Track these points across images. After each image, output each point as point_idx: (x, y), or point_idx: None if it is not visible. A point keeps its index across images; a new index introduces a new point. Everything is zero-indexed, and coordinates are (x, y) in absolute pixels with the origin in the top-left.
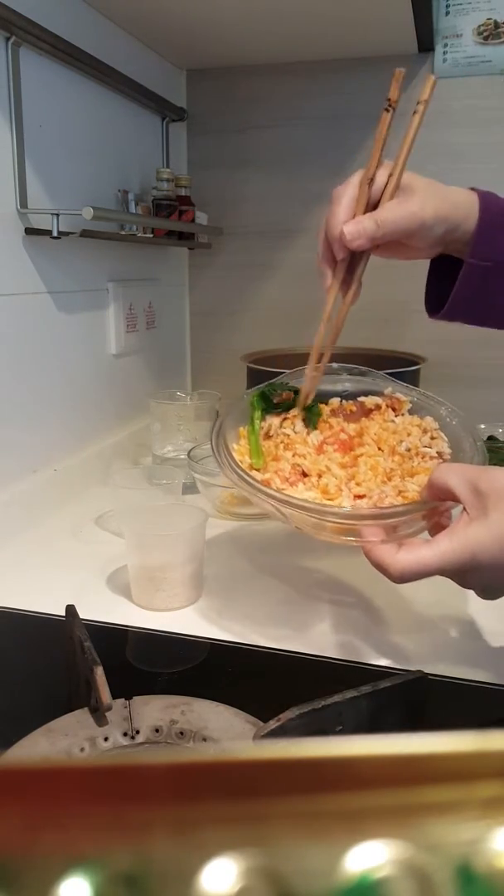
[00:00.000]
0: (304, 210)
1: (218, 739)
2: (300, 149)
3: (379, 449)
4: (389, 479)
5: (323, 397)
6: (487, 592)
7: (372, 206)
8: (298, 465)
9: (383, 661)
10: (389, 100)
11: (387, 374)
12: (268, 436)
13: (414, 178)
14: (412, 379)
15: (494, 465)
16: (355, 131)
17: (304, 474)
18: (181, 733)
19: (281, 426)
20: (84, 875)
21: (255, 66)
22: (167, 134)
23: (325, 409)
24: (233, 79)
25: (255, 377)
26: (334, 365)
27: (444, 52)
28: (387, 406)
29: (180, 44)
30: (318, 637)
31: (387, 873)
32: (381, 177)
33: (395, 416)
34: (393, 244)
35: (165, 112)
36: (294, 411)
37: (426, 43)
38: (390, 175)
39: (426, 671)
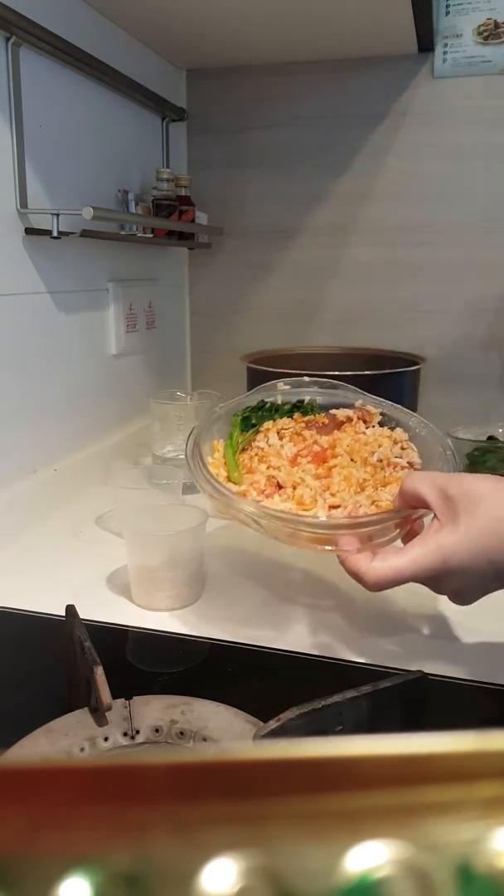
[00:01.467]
0: (304, 210)
1: (218, 739)
2: (300, 149)
3: (351, 460)
4: (363, 490)
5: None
6: (460, 597)
7: None
8: (273, 477)
9: (383, 661)
10: None
11: (387, 374)
12: (242, 449)
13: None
14: (412, 379)
15: (494, 465)
16: (355, 131)
17: (280, 486)
18: (181, 733)
19: (255, 439)
20: (84, 875)
21: (255, 66)
22: (167, 134)
23: (299, 422)
24: (233, 79)
25: (255, 377)
26: (305, 378)
27: (444, 52)
28: (358, 418)
29: (180, 44)
30: (318, 637)
31: (387, 873)
32: None
33: (366, 427)
34: None
35: (165, 112)
36: (268, 424)
37: (426, 43)
38: None
39: (426, 671)
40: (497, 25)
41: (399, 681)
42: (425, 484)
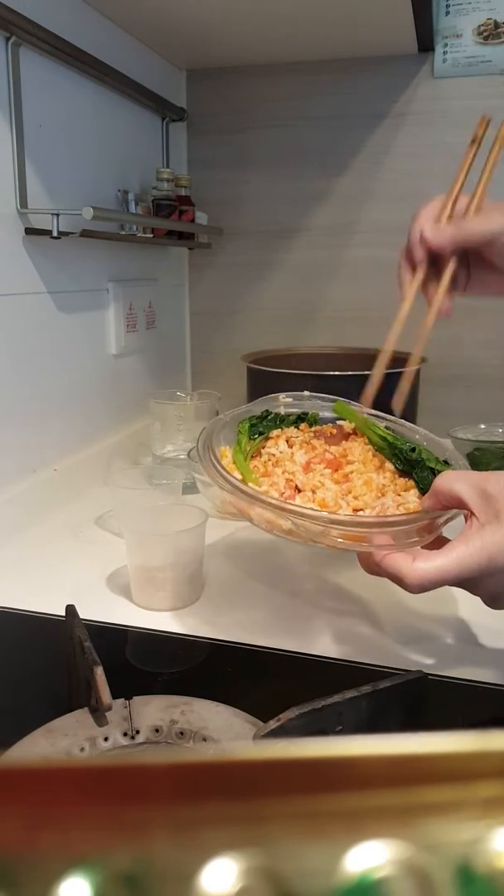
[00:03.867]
0: (304, 210)
1: (218, 739)
2: (300, 149)
3: (365, 467)
4: (383, 494)
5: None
6: (497, 601)
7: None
8: (292, 480)
9: (383, 661)
10: (474, 136)
11: (387, 374)
12: (252, 456)
13: (498, 202)
14: (412, 379)
15: (495, 466)
16: (355, 131)
17: (298, 489)
18: (181, 733)
19: (265, 445)
20: (84, 875)
21: (255, 66)
22: (167, 134)
23: (307, 432)
24: (233, 79)
25: (255, 377)
26: (305, 393)
27: (444, 52)
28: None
29: (180, 44)
30: (318, 637)
31: (387, 873)
32: (462, 202)
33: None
34: (480, 273)
35: (165, 112)
36: (276, 431)
37: (426, 43)
38: (472, 196)
39: (426, 671)
40: (497, 25)
41: (399, 681)
42: (462, 482)
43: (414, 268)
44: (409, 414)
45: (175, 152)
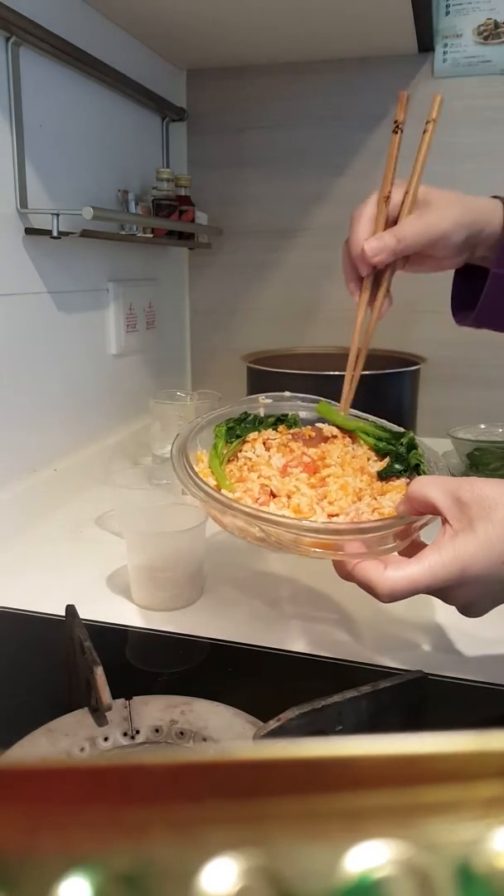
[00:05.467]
0: (304, 210)
1: (218, 739)
2: (300, 149)
3: (343, 470)
4: (360, 499)
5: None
6: (469, 609)
7: (391, 223)
8: (267, 486)
9: (383, 661)
10: (396, 122)
11: (387, 374)
12: (228, 460)
13: (431, 191)
14: (412, 379)
15: (495, 466)
16: (355, 131)
17: (273, 495)
18: (181, 733)
19: (241, 449)
20: (84, 875)
21: (255, 66)
22: (167, 134)
23: (285, 434)
24: (233, 79)
25: (255, 377)
26: (286, 394)
27: (444, 52)
28: (343, 434)
29: (180, 44)
30: (318, 637)
31: (387, 873)
32: (396, 195)
33: (353, 443)
34: (417, 257)
35: (165, 112)
36: (253, 434)
37: (426, 43)
38: (406, 192)
39: (426, 671)
40: (497, 25)
41: (399, 681)
42: (435, 488)
43: (360, 280)
44: (410, 414)
45: (175, 152)
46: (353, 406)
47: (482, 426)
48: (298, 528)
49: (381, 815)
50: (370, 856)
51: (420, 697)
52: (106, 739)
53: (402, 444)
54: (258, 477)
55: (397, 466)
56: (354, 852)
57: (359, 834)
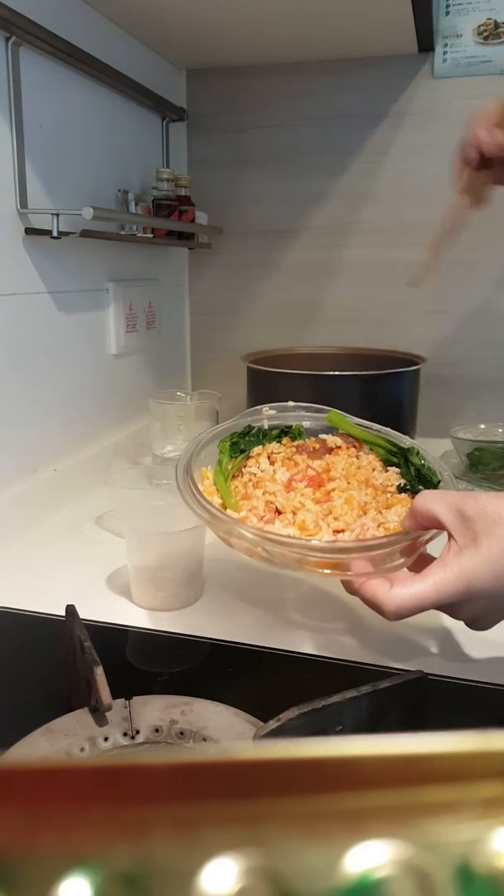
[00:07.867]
0: (304, 210)
1: (218, 739)
2: (300, 149)
3: (348, 484)
4: (365, 513)
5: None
6: (476, 623)
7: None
8: (272, 503)
9: (383, 661)
10: None
11: (387, 374)
12: (233, 476)
13: None
14: (412, 379)
15: (495, 466)
16: (355, 131)
17: (279, 511)
18: (181, 733)
19: (246, 465)
20: (84, 875)
21: (255, 66)
22: (167, 134)
23: (289, 447)
24: (233, 79)
25: (255, 377)
26: (290, 404)
27: (444, 52)
28: (347, 445)
29: (180, 44)
30: (318, 637)
31: (387, 873)
32: None
33: (357, 453)
34: None
35: (165, 112)
36: (257, 449)
37: (426, 43)
38: None
39: (426, 671)
40: (497, 25)
41: (399, 681)
42: (439, 503)
43: (467, 164)
44: (410, 414)
45: (175, 152)
46: (354, 409)
47: (482, 426)
48: (304, 547)
49: (381, 815)
50: (370, 856)
51: (420, 697)
52: (106, 739)
53: (412, 464)
54: (263, 493)
55: (419, 486)
56: (354, 852)
57: (359, 834)
